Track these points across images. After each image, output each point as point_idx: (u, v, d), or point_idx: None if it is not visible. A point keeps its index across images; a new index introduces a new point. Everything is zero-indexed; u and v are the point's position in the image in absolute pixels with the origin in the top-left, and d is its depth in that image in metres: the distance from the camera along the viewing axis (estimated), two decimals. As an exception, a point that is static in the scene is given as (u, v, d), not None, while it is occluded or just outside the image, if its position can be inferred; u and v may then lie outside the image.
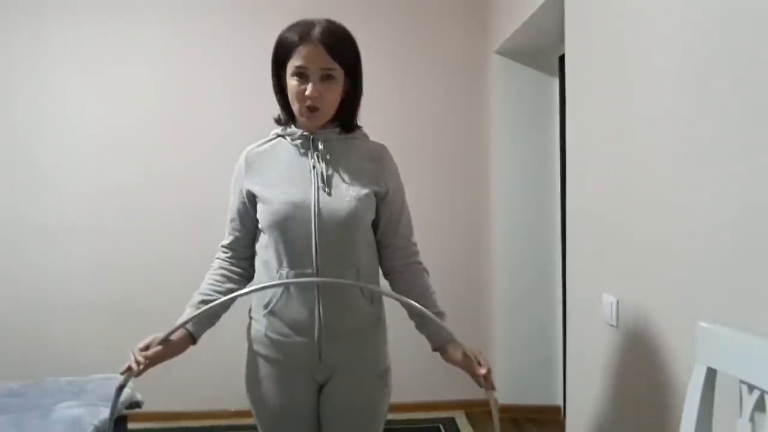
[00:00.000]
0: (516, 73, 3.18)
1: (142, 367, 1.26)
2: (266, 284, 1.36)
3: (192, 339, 1.39)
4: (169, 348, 1.33)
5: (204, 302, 1.39)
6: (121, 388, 1.28)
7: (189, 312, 1.39)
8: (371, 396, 1.45)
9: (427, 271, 1.49)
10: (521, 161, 3.19)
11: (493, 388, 1.32)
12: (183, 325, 1.33)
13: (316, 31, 1.32)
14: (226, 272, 1.45)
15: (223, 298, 1.31)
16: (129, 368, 1.26)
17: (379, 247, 1.48)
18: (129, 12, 3.18)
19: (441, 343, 1.40)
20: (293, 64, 1.33)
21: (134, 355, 1.28)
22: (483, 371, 1.30)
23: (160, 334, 1.32)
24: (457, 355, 1.36)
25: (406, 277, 1.46)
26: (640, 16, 1.55)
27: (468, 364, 1.33)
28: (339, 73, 1.35)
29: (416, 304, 1.28)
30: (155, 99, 3.20)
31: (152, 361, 1.29)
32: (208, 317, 1.39)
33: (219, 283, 1.43)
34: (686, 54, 1.34)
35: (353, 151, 1.43)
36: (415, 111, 3.28)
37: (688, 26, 1.33)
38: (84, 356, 3.12)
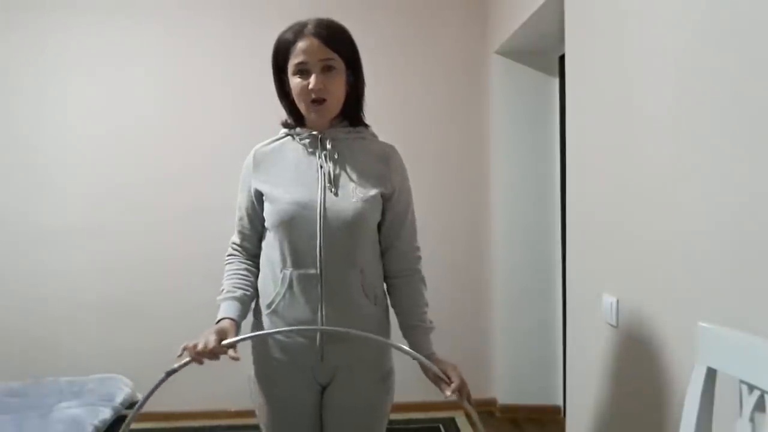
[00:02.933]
0: (516, 73, 3.18)
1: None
2: (297, 328, 1.35)
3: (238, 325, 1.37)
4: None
5: (245, 296, 1.40)
6: (173, 371, 1.21)
7: (230, 305, 1.37)
8: (373, 398, 1.44)
9: (424, 282, 1.49)
10: (521, 161, 3.20)
11: (470, 401, 1.33)
12: (247, 338, 1.31)
13: (310, 26, 1.34)
14: (249, 268, 1.45)
15: (259, 333, 1.35)
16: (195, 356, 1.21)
17: (381, 248, 1.47)
18: (129, 12, 3.18)
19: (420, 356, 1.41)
20: (293, 62, 1.35)
21: (215, 351, 1.22)
22: (448, 393, 1.31)
23: (214, 332, 1.27)
24: (431, 373, 1.37)
25: (404, 288, 1.47)
26: (640, 16, 1.55)
27: (437, 382, 1.35)
28: (339, 63, 1.36)
29: (406, 348, 1.34)
30: (155, 99, 3.20)
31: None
32: (246, 309, 1.41)
33: (247, 278, 1.43)
34: (686, 53, 1.34)
35: (361, 151, 1.43)
36: (415, 111, 3.28)
37: (688, 26, 1.33)
38: (84, 356, 3.12)
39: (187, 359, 1.22)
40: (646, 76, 1.52)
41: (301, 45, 1.33)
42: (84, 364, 3.01)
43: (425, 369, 1.37)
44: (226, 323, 1.32)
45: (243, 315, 1.39)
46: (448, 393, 1.31)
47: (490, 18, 3.24)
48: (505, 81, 3.19)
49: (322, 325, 1.36)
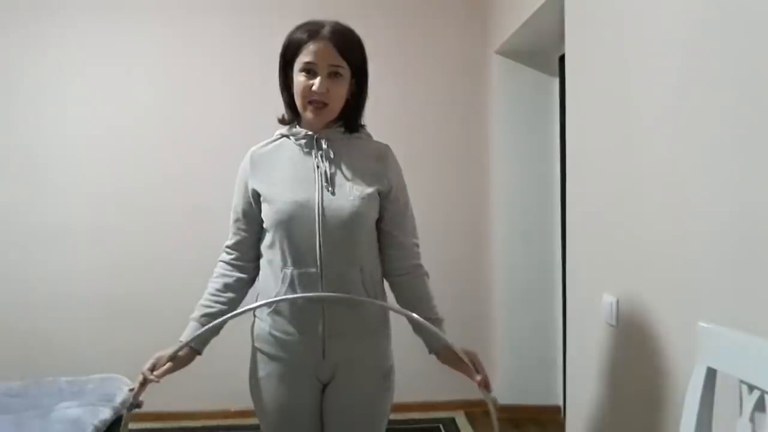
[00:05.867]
0: (516, 73, 3.18)
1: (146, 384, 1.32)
2: (271, 300, 1.36)
3: (197, 352, 1.41)
4: (177, 363, 1.36)
5: (206, 315, 1.41)
6: (132, 406, 1.30)
7: (192, 326, 1.41)
8: (374, 395, 1.45)
9: (427, 275, 1.50)
10: (521, 161, 3.20)
11: (489, 389, 1.34)
12: (187, 344, 1.35)
13: (326, 30, 1.35)
14: (227, 280, 1.45)
15: (226, 317, 1.32)
16: (140, 386, 1.30)
17: (382, 246, 1.47)
18: (129, 12, 3.18)
19: (437, 347, 1.42)
20: (301, 60, 1.35)
21: (144, 376, 1.31)
22: (479, 378, 1.33)
23: (166, 351, 1.35)
24: (453, 359, 1.37)
25: (407, 283, 1.47)
26: (640, 16, 1.55)
27: (465, 369, 1.36)
28: (346, 71, 1.37)
29: (415, 316, 1.32)
30: (155, 99, 3.20)
31: (161, 377, 1.33)
32: (211, 330, 1.40)
33: (220, 293, 1.44)
34: (686, 54, 1.34)
35: (357, 151, 1.44)
36: (415, 111, 3.28)
37: (688, 26, 1.33)
38: (84, 356, 3.12)
39: (131, 387, 1.33)
40: (646, 75, 1.52)
41: (313, 46, 1.33)
42: (84, 364, 3.00)
43: (448, 358, 1.37)
44: (169, 350, 1.36)
45: (204, 337, 1.40)
46: (478, 378, 1.32)
47: (490, 18, 3.24)
48: (505, 81, 3.19)
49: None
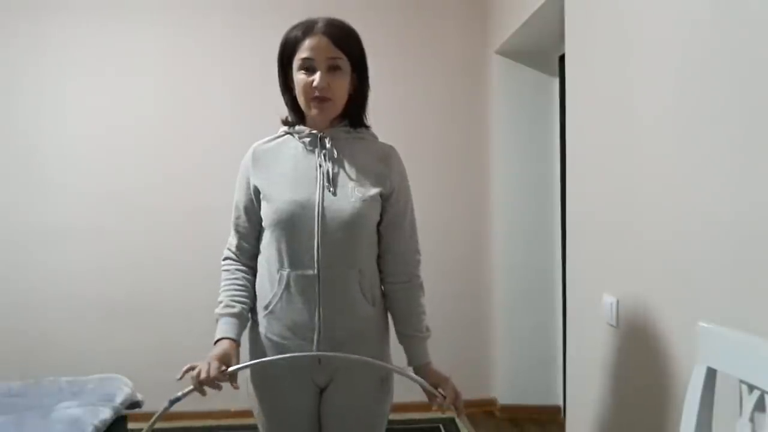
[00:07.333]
0: (516, 73, 3.18)
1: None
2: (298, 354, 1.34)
3: (239, 344, 1.37)
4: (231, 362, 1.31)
5: (243, 310, 1.38)
6: (174, 401, 1.22)
7: (230, 321, 1.36)
8: (372, 399, 1.43)
9: (422, 288, 1.47)
10: (521, 161, 3.20)
11: (462, 412, 1.36)
12: (255, 364, 1.33)
13: (320, 24, 1.34)
14: (245, 275, 1.43)
15: (263, 360, 1.32)
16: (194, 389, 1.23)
17: (379, 250, 1.44)
18: (130, 12, 3.18)
19: (414, 365, 1.44)
20: (299, 57, 1.34)
21: (207, 381, 1.21)
22: (434, 408, 1.35)
23: (217, 353, 1.27)
24: (429, 380, 1.39)
25: (401, 294, 1.45)
26: (641, 16, 1.55)
27: (430, 396, 1.38)
28: (345, 63, 1.35)
29: (389, 366, 1.38)
30: (155, 100, 3.20)
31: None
32: (245, 322, 1.40)
33: (245, 288, 1.41)
34: (686, 54, 1.34)
35: (361, 151, 1.42)
36: (415, 111, 3.28)
37: (688, 26, 1.33)
38: (84, 356, 3.12)
39: (191, 388, 1.22)
40: (646, 76, 1.52)
41: (309, 42, 1.33)
42: (84, 364, 3.01)
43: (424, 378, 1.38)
44: (227, 346, 1.30)
45: (242, 331, 1.38)
46: (434, 408, 1.35)
47: (490, 18, 3.25)
48: (505, 81, 3.19)
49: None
